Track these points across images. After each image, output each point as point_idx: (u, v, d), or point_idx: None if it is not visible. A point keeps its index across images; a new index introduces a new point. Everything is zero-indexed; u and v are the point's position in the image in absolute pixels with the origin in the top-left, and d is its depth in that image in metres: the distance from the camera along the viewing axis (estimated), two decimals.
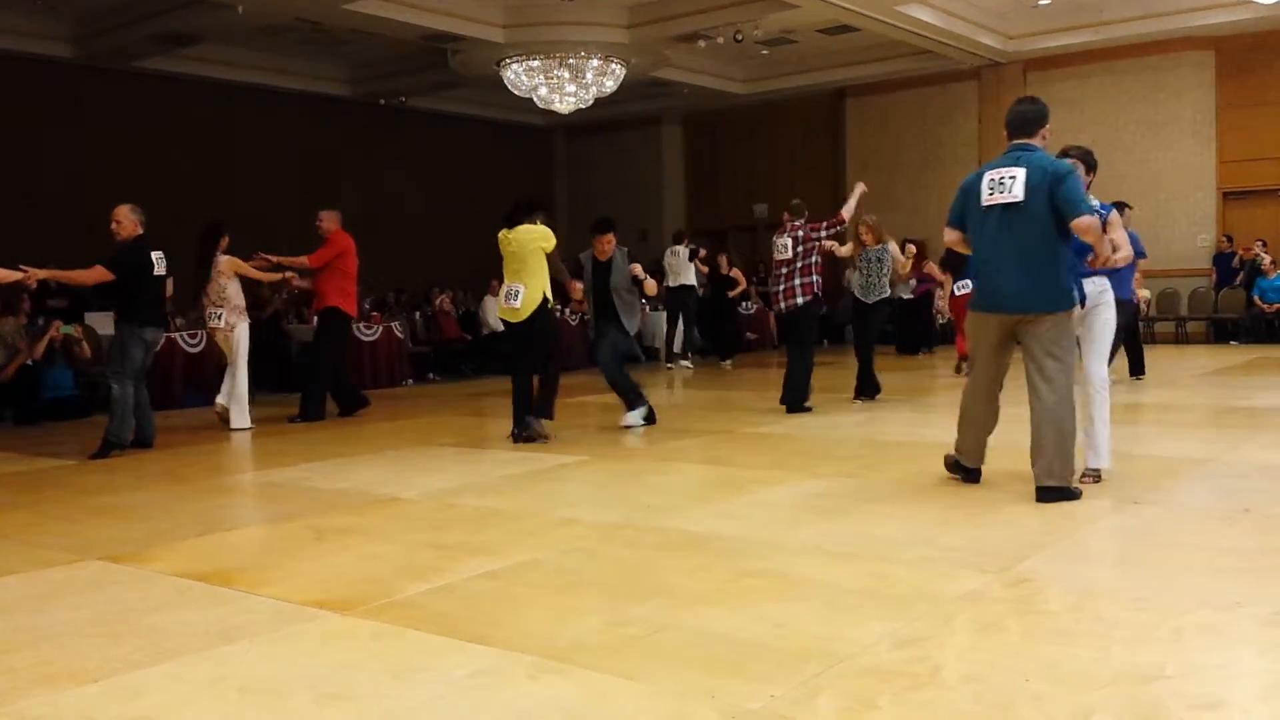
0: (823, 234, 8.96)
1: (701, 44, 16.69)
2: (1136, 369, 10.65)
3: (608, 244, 8.29)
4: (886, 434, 7.67)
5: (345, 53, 17.56)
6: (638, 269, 8.34)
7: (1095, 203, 5.42)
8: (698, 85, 19.12)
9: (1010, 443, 6.38)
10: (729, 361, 15.23)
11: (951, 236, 5.50)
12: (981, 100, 18.42)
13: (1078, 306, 5.34)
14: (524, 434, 7.81)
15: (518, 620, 3.53)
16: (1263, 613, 3.37)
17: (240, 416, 9.24)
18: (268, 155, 17.56)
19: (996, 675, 2.89)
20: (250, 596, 3.94)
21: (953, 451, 5.64)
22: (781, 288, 9.01)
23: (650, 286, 8.47)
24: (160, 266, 8.24)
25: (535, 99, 16.51)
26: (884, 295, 9.88)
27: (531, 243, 7.80)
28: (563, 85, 16.08)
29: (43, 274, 7.98)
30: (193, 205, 15.67)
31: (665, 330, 15.57)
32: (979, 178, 5.26)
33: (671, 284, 15.09)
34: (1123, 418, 8.48)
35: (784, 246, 8.98)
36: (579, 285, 8.37)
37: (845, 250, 9.91)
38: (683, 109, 21.34)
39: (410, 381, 13.74)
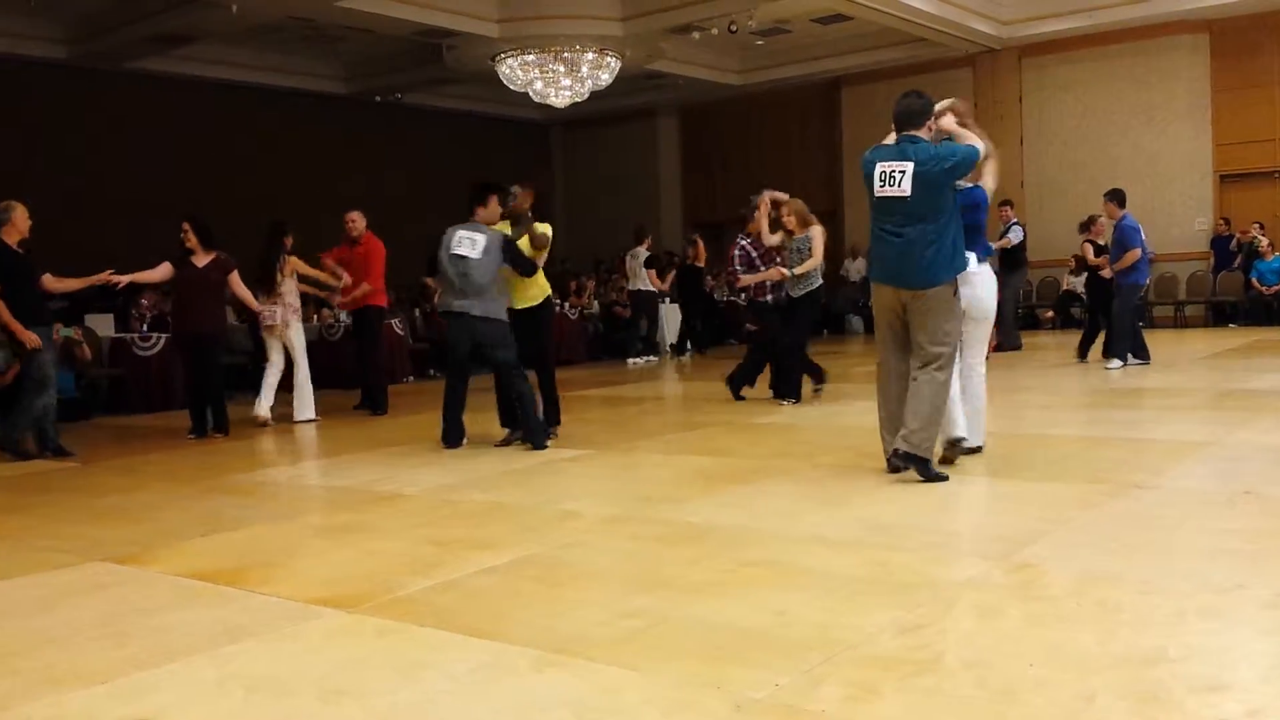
0: (738, 268, 9.03)
1: (696, 35, 16.67)
2: (1086, 350, 10.66)
3: (481, 211, 7.36)
4: None
5: (340, 50, 17.56)
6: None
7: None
8: (693, 77, 19.11)
9: (1011, 431, 6.40)
10: (685, 355, 15.17)
11: None
12: (977, 87, 18.40)
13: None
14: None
15: (521, 614, 3.54)
16: (1264, 595, 3.38)
17: (305, 409, 9.52)
18: (264, 154, 17.55)
19: (999, 660, 2.90)
20: (254, 595, 3.94)
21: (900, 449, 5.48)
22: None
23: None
24: None
25: (531, 93, 16.50)
26: (812, 287, 8.86)
27: None
28: (558, 79, 16.07)
29: (126, 279, 8.41)
30: (189, 205, 15.68)
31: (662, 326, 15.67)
32: (872, 165, 5.53)
33: (630, 287, 15.30)
34: (1122, 402, 8.50)
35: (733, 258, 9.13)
36: None
37: (774, 239, 8.95)
38: (678, 101, 21.34)
39: (411, 378, 13.75)
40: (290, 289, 9.38)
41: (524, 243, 7.38)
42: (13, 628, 3.69)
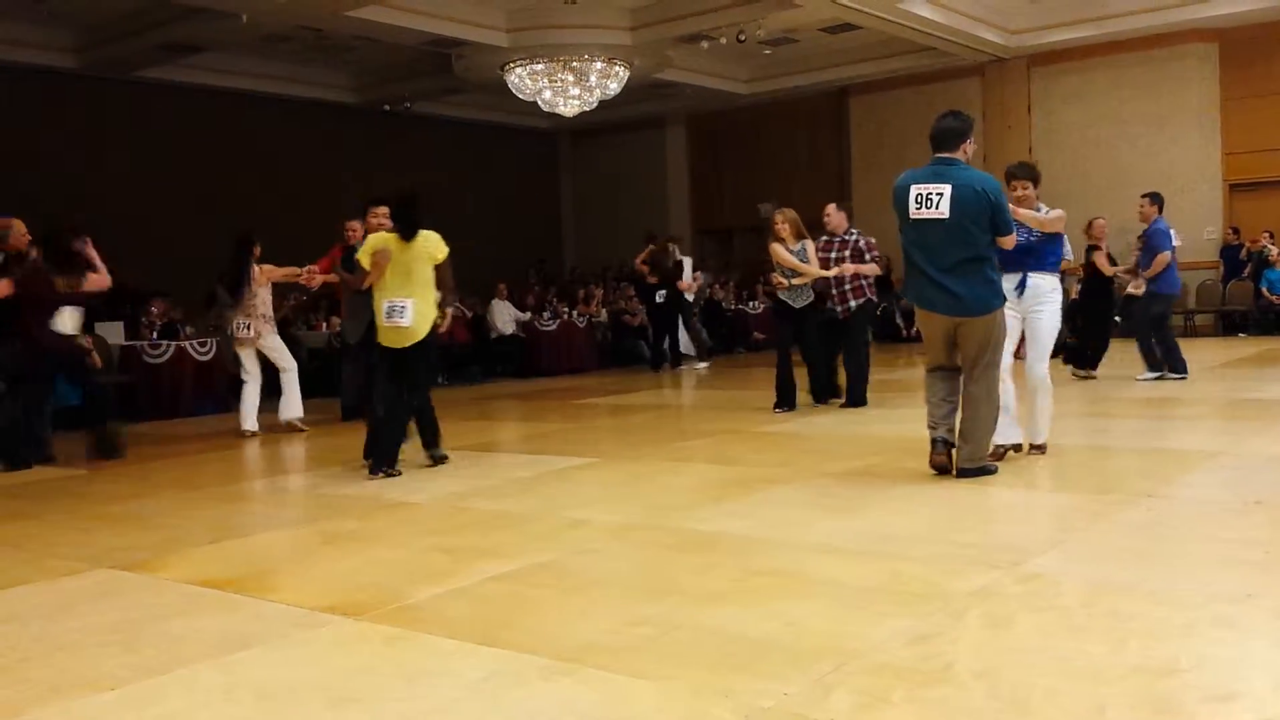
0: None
1: (704, 45, 16.70)
2: (1088, 362, 10.57)
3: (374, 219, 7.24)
4: (895, 431, 7.65)
5: (350, 60, 17.60)
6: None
7: (1044, 209, 6.28)
8: (701, 86, 19.12)
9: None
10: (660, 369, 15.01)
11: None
12: (985, 97, 18.40)
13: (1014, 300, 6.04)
14: (391, 470, 6.63)
15: (530, 622, 3.54)
16: (1275, 605, 3.37)
17: (291, 409, 9.44)
18: (273, 163, 17.60)
19: (1009, 671, 2.89)
20: (263, 603, 3.95)
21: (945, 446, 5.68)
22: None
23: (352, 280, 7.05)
24: None
25: (539, 102, 16.53)
26: (811, 299, 8.95)
27: (425, 252, 6.68)
28: (567, 88, 16.09)
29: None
30: (197, 213, 15.76)
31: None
32: (906, 189, 5.53)
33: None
34: (1132, 411, 8.47)
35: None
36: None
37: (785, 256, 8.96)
38: (686, 110, 21.35)
39: None
40: (263, 299, 9.33)
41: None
42: (22, 634, 3.69)
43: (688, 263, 14.91)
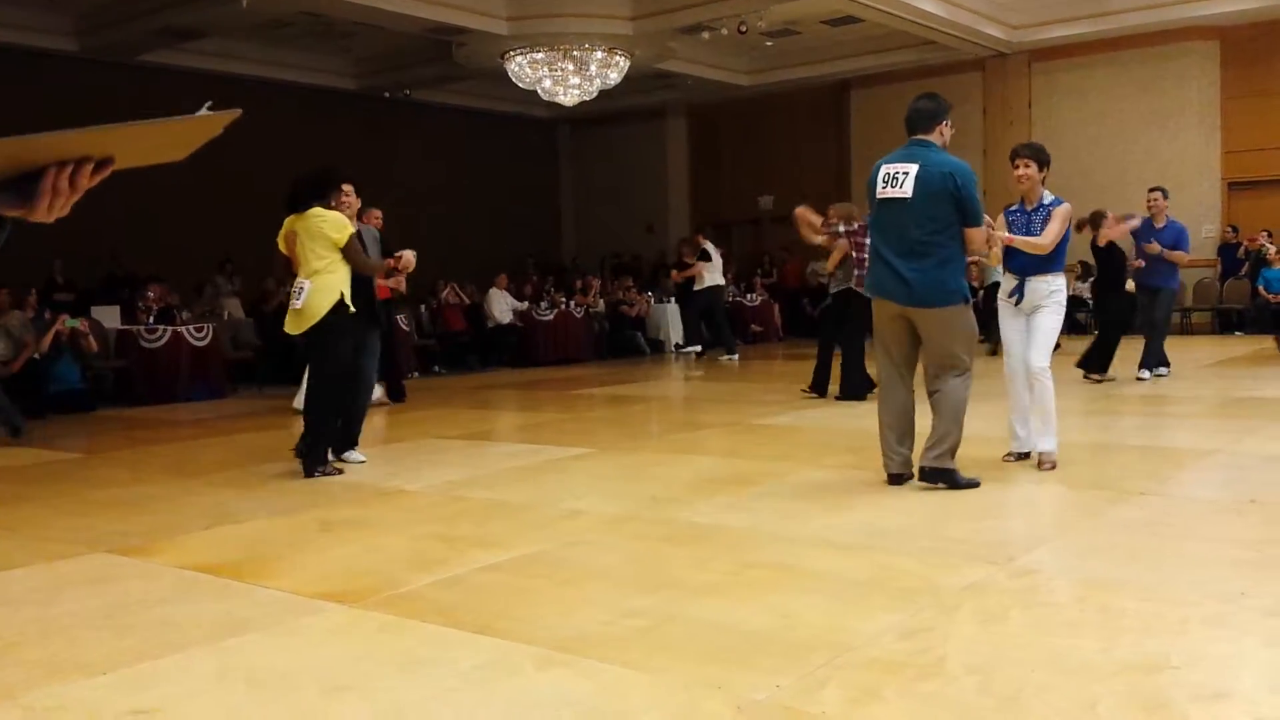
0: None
1: (706, 36, 16.66)
2: (1099, 366, 10.13)
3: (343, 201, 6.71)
4: None
5: (349, 46, 17.57)
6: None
7: (1049, 197, 5.99)
8: (702, 77, 19.08)
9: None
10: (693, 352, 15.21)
11: None
12: (986, 91, 18.38)
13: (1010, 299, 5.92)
14: (325, 469, 6.36)
15: (524, 612, 3.54)
16: (1268, 604, 3.37)
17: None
18: (271, 149, 17.53)
19: (1001, 666, 2.90)
20: (257, 589, 3.95)
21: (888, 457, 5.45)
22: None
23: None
24: None
25: (539, 91, 16.50)
26: (842, 287, 9.26)
27: (319, 231, 6.29)
28: (567, 77, 16.06)
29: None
30: (193, 200, 15.71)
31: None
32: (878, 170, 5.40)
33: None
34: (1128, 409, 8.48)
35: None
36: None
37: (819, 240, 9.44)
38: (687, 101, 21.31)
39: (415, 374, 13.75)
40: None
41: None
42: (16, 618, 3.69)
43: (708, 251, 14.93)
